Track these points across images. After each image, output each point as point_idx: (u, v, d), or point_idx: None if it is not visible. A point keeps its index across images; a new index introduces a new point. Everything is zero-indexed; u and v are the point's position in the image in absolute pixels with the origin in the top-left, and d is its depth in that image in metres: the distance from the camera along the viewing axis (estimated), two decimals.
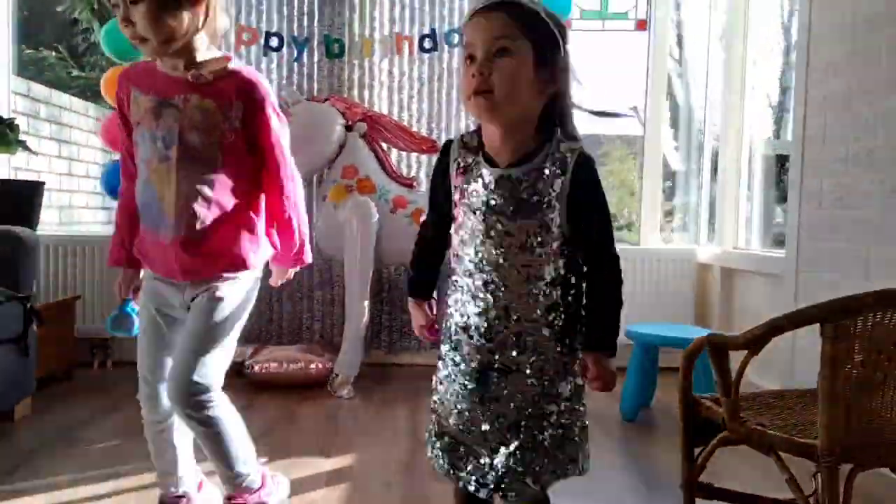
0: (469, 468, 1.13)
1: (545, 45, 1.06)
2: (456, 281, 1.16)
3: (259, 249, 1.40)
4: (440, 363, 1.19)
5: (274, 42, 3.15)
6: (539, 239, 1.08)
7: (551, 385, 1.11)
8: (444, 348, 1.18)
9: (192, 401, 1.31)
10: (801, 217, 2.47)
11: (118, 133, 3.25)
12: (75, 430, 2.24)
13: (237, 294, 1.38)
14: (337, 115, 2.92)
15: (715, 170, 3.47)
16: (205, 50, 1.29)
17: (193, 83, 1.27)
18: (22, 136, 2.89)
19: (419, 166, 3.26)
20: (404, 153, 3.20)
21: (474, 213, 1.11)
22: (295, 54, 3.17)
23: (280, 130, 1.36)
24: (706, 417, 1.34)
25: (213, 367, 1.34)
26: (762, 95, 3.34)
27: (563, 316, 1.11)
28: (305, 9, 3.19)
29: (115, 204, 1.55)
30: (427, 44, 3.21)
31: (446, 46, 3.22)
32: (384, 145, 3.05)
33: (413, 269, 1.31)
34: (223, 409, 1.36)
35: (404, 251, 2.82)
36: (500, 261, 1.09)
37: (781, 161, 3.20)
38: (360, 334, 2.82)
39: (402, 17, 3.23)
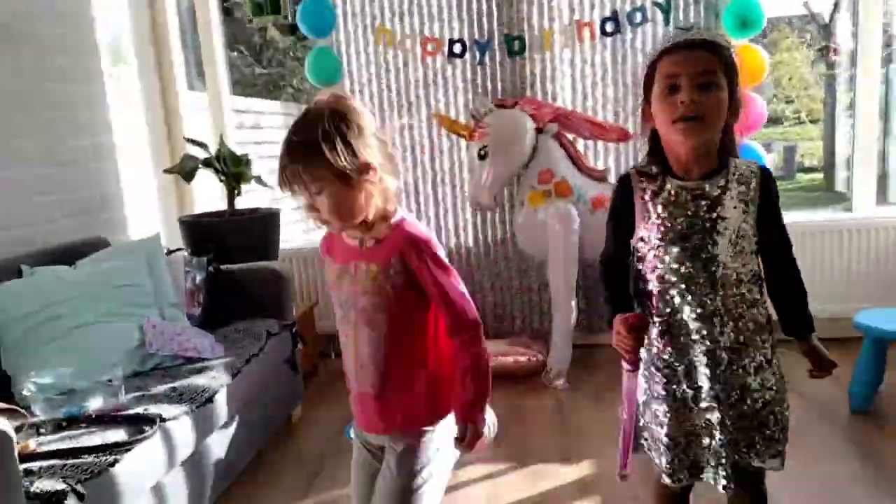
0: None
1: (734, 80, 1.24)
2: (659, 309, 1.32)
3: (436, 407, 1.38)
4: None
5: (457, 48, 3.26)
6: (739, 243, 1.25)
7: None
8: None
9: None
10: None
11: None
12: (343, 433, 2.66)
13: (422, 453, 1.36)
14: (527, 119, 3.00)
15: None
16: (375, 214, 1.31)
17: (362, 249, 1.33)
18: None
19: (607, 155, 3.28)
20: (590, 143, 3.24)
21: (674, 229, 1.26)
22: (478, 57, 3.28)
23: (444, 279, 1.30)
24: None
25: None
26: None
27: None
28: (484, 10, 3.25)
29: None
30: (609, 27, 3.16)
31: (629, 27, 3.15)
32: (573, 139, 3.10)
33: (608, 291, 1.39)
34: None
35: None
36: (710, 267, 1.26)
37: None
38: (570, 330, 2.99)
39: (581, 2, 3.19)
